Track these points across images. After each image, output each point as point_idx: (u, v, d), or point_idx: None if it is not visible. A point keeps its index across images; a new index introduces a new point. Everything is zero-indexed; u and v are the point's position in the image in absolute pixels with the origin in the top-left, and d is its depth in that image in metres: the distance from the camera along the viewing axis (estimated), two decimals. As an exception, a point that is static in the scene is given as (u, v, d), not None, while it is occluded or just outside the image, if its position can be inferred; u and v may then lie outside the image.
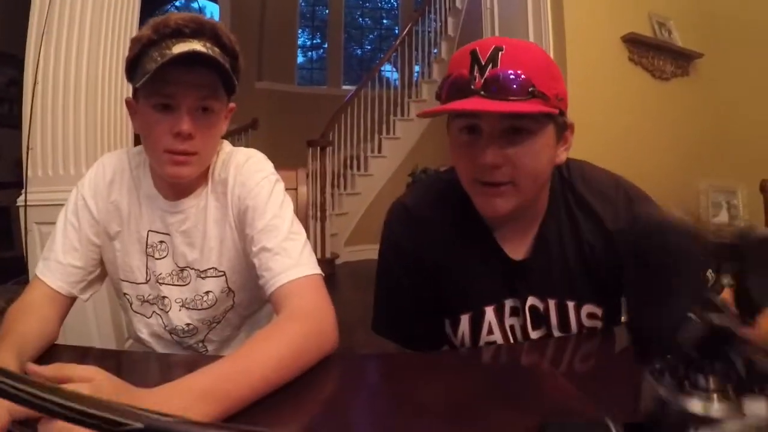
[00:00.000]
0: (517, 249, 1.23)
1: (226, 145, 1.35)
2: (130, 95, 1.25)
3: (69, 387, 0.65)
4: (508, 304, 1.24)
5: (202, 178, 1.29)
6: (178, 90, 1.14)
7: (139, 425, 0.33)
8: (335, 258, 6.67)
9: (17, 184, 2.83)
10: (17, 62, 2.90)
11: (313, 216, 6.20)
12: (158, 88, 1.14)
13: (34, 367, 0.74)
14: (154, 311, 1.34)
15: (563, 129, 1.14)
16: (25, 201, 2.73)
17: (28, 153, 2.76)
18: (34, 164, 2.78)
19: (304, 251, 1.18)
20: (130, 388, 0.73)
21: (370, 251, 6.89)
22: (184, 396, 0.75)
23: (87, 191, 1.30)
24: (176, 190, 1.28)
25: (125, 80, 1.25)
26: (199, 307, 1.32)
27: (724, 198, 3.84)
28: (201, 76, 1.15)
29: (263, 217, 1.21)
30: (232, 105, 1.29)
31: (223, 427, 0.34)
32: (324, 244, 6.41)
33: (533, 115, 1.05)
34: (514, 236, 1.23)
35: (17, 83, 3.01)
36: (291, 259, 1.15)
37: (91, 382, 0.66)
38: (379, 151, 7.60)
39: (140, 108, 1.20)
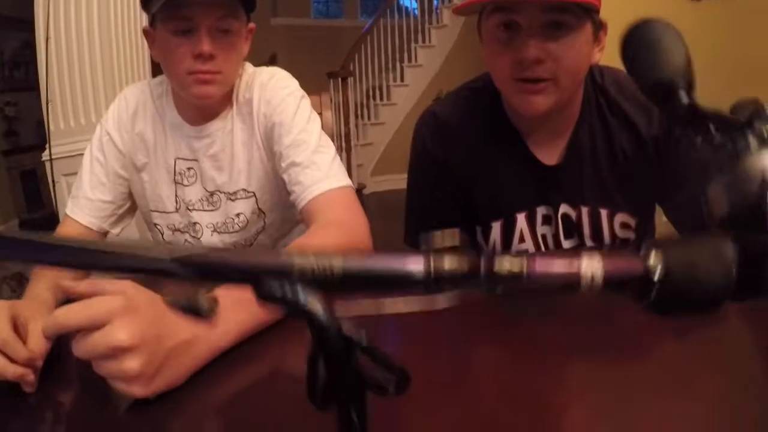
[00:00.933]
0: (550, 154, 1.20)
1: (249, 67, 1.32)
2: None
3: (100, 301, 0.65)
4: (540, 211, 1.22)
5: (227, 100, 1.27)
6: (195, 11, 1.11)
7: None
8: (362, 188, 6.66)
9: (41, 145, 2.84)
10: (28, 25, 2.88)
11: (338, 147, 6.16)
12: (175, 12, 1.11)
13: (67, 283, 0.73)
14: (186, 239, 1.34)
15: (598, 28, 1.10)
16: (50, 154, 2.74)
17: (47, 106, 2.76)
18: (55, 117, 2.78)
19: (333, 163, 1.17)
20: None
21: (397, 181, 6.86)
22: (222, 302, 0.74)
23: (111, 125, 1.29)
24: (201, 114, 1.26)
25: (138, 19, 1.23)
26: (231, 230, 1.31)
27: (765, 124, 3.72)
28: None
29: (290, 133, 1.19)
30: (251, 25, 1.26)
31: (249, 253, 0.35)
32: (350, 175, 6.39)
33: (576, 6, 1.02)
34: (546, 141, 1.20)
35: (31, 46, 2.99)
36: (321, 171, 1.14)
37: (124, 294, 0.65)
38: (402, 79, 7.45)
39: (158, 35, 1.17)
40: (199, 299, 0.36)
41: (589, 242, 1.22)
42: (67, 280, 0.73)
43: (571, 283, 0.38)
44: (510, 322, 0.81)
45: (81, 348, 0.62)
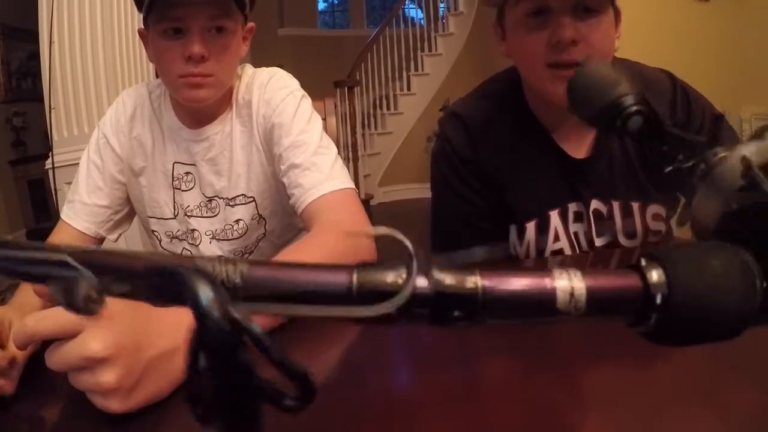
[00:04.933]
0: (578, 148, 1.19)
1: (249, 68, 1.29)
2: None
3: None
4: (572, 208, 1.20)
5: (225, 102, 1.24)
6: (186, 11, 1.07)
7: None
8: (370, 199, 6.63)
9: (48, 155, 2.82)
10: (35, 36, 2.88)
11: (345, 157, 6.14)
12: (165, 12, 1.08)
13: (41, 287, 0.68)
14: (183, 247, 1.31)
15: (617, 14, 1.10)
16: (53, 162, 2.72)
17: (50, 113, 2.74)
18: (59, 125, 2.77)
19: (335, 165, 1.13)
20: (146, 305, 0.67)
21: (405, 191, 6.86)
22: None
23: (108, 129, 1.26)
24: (199, 117, 1.23)
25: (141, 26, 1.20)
26: (230, 237, 1.28)
27: (768, 127, 3.69)
28: None
29: (290, 134, 1.16)
30: (250, 24, 1.22)
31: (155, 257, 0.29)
32: (358, 186, 6.37)
33: None
34: (572, 134, 1.19)
35: (37, 57, 3.00)
36: (321, 173, 1.10)
37: None
38: (408, 88, 7.44)
39: (151, 36, 1.14)
40: (78, 290, 0.30)
41: (622, 239, 1.20)
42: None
43: (544, 305, 0.30)
44: (523, 327, 0.77)
45: (53, 359, 0.57)
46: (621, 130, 0.59)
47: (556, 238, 1.20)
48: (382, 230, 0.30)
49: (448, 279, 0.29)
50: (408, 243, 0.29)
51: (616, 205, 1.18)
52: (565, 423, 0.58)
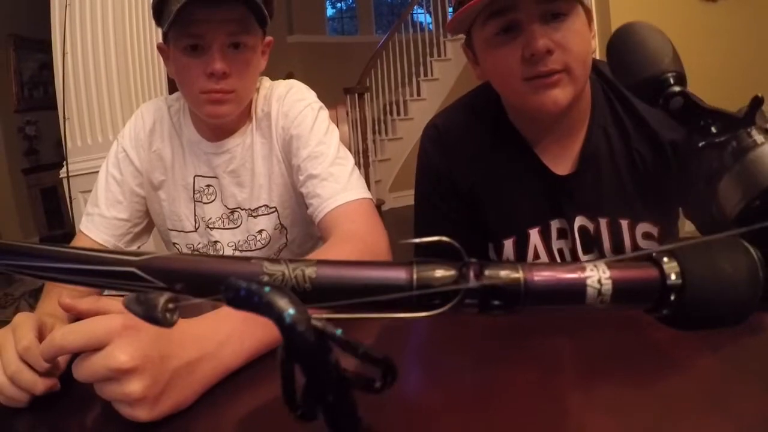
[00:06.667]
0: (561, 163, 1.13)
1: (266, 81, 1.30)
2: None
3: (100, 320, 0.61)
4: (554, 225, 1.15)
5: (245, 115, 1.25)
6: (206, 28, 1.09)
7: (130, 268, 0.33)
8: (381, 204, 6.63)
9: (60, 163, 2.85)
10: (46, 46, 2.91)
11: (356, 163, 6.14)
12: (186, 29, 1.09)
13: (67, 301, 0.69)
14: None
15: (588, 13, 1.06)
16: (67, 171, 2.74)
17: (65, 123, 2.77)
18: (73, 134, 2.79)
19: (352, 175, 1.15)
20: None
21: (416, 196, 6.83)
22: (230, 319, 0.69)
23: (128, 143, 1.27)
24: (219, 130, 1.24)
25: (153, 36, 1.22)
26: (253, 248, 1.29)
27: (780, 128, 3.67)
28: (229, 11, 1.09)
29: (308, 145, 1.17)
30: (269, 39, 1.24)
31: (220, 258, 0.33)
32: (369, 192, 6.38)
33: None
34: (556, 148, 1.13)
35: (49, 67, 3.03)
36: (339, 184, 1.12)
37: (126, 313, 0.62)
38: (418, 94, 7.46)
39: (172, 52, 1.15)
40: (156, 304, 0.32)
41: (609, 256, 1.13)
42: (68, 297, 0.69)
43: (576, 293, 0.35)
44: (532, 335, 0.78)
45: (81, 371, 0.58)
46: (662, 106, 0.61)
47: (536, 256, 1.16)
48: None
49: (495, 274, 0.35)
50: (460, 248, 0.35)
51: (603, 222, 1.12)
52: (578, 430, 0.59)
